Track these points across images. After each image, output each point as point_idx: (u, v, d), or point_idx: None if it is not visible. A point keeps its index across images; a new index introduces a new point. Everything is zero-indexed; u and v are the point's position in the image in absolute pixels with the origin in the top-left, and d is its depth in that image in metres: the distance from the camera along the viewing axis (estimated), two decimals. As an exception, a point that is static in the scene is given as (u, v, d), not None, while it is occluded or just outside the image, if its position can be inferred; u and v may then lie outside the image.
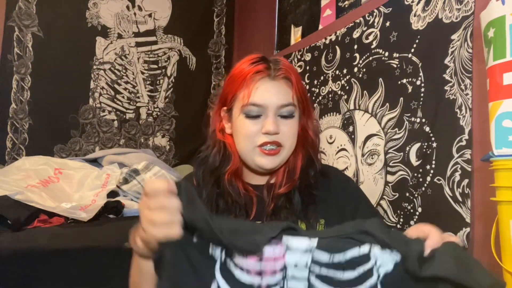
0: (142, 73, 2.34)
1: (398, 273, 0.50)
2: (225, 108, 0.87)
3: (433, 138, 1.01)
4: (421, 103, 1.06)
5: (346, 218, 0.79)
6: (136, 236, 0.61)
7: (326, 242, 0.52)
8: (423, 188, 1.01)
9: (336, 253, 0.51)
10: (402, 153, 1.10)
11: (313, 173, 0.84)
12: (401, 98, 1.13)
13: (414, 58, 1.09)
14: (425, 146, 1.02)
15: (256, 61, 0.82)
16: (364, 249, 0.51)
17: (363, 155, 1.26)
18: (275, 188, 0.83)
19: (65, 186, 1.61)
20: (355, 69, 1.34)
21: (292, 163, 0.84)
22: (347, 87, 1.38)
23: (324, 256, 0.52)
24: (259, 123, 0.79)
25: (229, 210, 0.84)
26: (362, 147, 1.27)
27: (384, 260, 0.50)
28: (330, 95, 1.48)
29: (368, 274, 0.51)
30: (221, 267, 0.54)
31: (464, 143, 0.92)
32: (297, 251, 0.52)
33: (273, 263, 0.52)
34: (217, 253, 0.55)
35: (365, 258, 0.51)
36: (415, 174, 1.04)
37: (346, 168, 1.34)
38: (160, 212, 0.54)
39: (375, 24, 1.26)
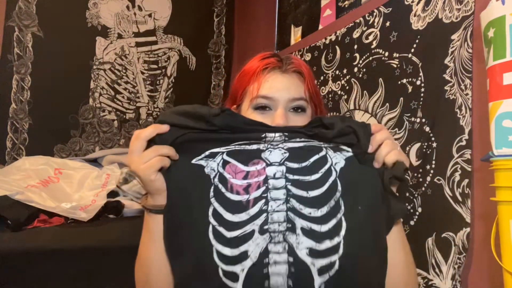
0: (142, 73, 2.34)
1: (350, 165, 0.66)
2: (234, 106, 0.84)
3: (433, 138, 1.01)
4: (421, 103, 1.06)
5: None
6: (144, 196, 0.68)
7: (294, 154, 0.66)
8: (423, 188, 1.01)
9: (303, 162, 0.66)
10: (402, 153, 1.10)
11: None
12: (401, 98, 1.13)
13: (414, 58, 1.09)
14: (425, 146, 1.02)
15: (267, 56, 0.81)
16: (321, 153, 0.67)
17: (363, 155, 1.27)
18: None
19: (65, 186, 1.61)
20: (355, 69, 1.34)
21: None
22: (347, 87, 1.38)
23: (294, 165, 0.66)
24: (268, 117, 0.76)
25: None
26: (362, 147, 1.27)
27: (337, 159, 0.67)
28: (330, 95, 1.48)
29: (328, 172, 0.66)
30: (215, 191, 0.65)
31: (464, 143, 0.92)
32: (274, 164, 0.66)
33: (257, 178, 0.65)
34: (214, 166, 0.66)
35: (324, 158, 0.67)
36: (415, 174, 1.04)
37: (346, 168, 1.34)
38: (135, 141, 0.63)
39: (375, 24, 1.26)
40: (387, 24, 1.21)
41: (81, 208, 1.39)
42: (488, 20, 0.65)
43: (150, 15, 2.37)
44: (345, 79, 1.39)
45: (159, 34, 2.39)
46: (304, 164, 0.66)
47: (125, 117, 2.30)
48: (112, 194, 1.58)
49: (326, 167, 0.66)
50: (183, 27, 2.44)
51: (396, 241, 0.67)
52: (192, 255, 0.63)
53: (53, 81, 2.09)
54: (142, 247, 0.69)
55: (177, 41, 2.43)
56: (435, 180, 0.98)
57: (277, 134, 0.67)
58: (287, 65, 0.80)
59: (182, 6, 2.43)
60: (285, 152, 0.67)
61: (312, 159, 0.67)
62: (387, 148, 0.65)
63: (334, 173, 0.66)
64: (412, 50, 1.10)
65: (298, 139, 0.68)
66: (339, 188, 0.65)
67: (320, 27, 1.62)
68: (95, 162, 1.94)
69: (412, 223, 1.03)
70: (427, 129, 1.02)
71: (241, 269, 0.60)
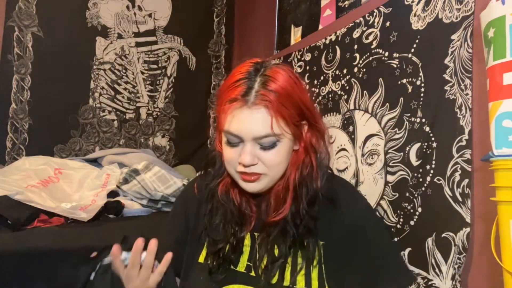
0: (142, 73, 2.34)
1: None
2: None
3: (433, 138, 1.01)
4: (421, 103, 1.06)
5: (351, 243, 0.79)
6: None
7: None
8: (423, 188, 1.01)
9: None
10: (402, 153, 1.10)
11: (309, 196, 0.79)
12: (401, 98, 1.13)
13: (414, 58, 1.09)
14: (425, 146, 1.02)
15: (239, 78, 0.74)
16: None
17: (363, 155, 1.26)
18: (270, 209, 0.80)
19: (65, 186, 1.61)
20: (355, 69, 1.34)
21: (283, 184, 0.79)
22: (347, 87, 1.38)
23: None
24: (238, 150, 0.75)
25: (225, 220, 0.83)
26: (362, 147, 1.27)
27: None
28: (330, 95, 1.48)
29: None
30: None
31: (464, 143, 0.92)
32: None
33: None
34: None
35: None
36: (415, 174, 1.04)
37: (346, 168, 1.34)
38: None
39: (375, 24, 1.26)
40: (387, 24, 1.21)
41: (81, 208, 1.40)
42: (488, 20, 0.65)
43: (150, 15, 2.37)
44: (345, 79, 1.39)
45: (159, 34, 2.39)
46: None
47: (125, 117, 2.30)
48: (112, 194, 1.58)
49: None
50: (183, 27, 2.44)
51: None
52: None
53: (53, 81, 2.09)
54: None
55: (177, 41, 2.43)
56: (435, 180, 0.98)
57: None
58: (254, 98, 0.72)
59: (182, 6, 2.43)
60: None
61: None
62: None
63: None
64: (412, 50, 1.10)
65: None
66: None
67: (320, 27, 1.62)
68: (95, 162, 1.94)
69: (412, 223, 1.03)
70: (427, 129, 1.02)
71: None
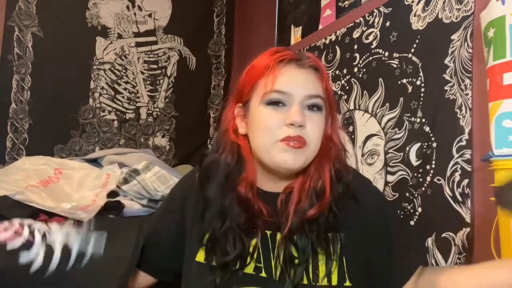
0: (142, 73, 2.34)
1: None
2: (240, 104, 0.76)
3: (433, 138, 1.01)
4: (421, 103, 1.06)
5: (371, 232, 0.73)
6: None
7: None
8: (423, 188, 1.01)
9: None
10: (402, 153, 1.10)
11: (342, 189, 0.73)
12: (401, 98, 1.13)
13: (414, 58, 1.09)
14: (425, 146, 1.02)
15: (281, 50, 0.74)
16: None
17: (363, 155, 1.26)
18: (296, 206, 0.72)
19: (65, 186, 1.61)
20: (355, 69, 1.34)
21: (316, 177, 0.73)
22: (347, 87, 1.38)
23: None
24: (282, 113, 0.69)
25: (234, 230, 0.73)
26: (362, 147, 1.27)
27: None
28: (330, 95, 1.48)
29: None
30: None
31: (464, 143, 0.92)
32: None
33: None
34: None
35: None
36: (415, 174, 1.04)
37: (346, 168, 1.34)
38: None
39: (375, 24, 1.26)
40: (387, 24, 1.21)
41: (81, 208, 1.39)
42: (488, 20, 0.65)
43: (150, 15, 2.37)
44: (345, 79, 1.39)
45: (159, 34, 2.39)
46: None
47: (125, 117, 2.29)
48: (112, 194, 1.57)
49: None
50: (183, 27, 2.44)
51: None
52: None
53: (53, 81, 2.09)
54: None
55: (177, 41, 2.43)
56: (435, 180, 0.98)
57: None
58: (304, 59, 0.73)
59: (182, 6, 2.43)
60: None
61: None
62: None
63: None
64: (412, 50, 1.10)
65: None
66: None
67: (320, 27, 1.62)
68: (95, 162, 1.94)
69: (412, 223, 1.03)
70: (427, 129, 1.02)
71: None
